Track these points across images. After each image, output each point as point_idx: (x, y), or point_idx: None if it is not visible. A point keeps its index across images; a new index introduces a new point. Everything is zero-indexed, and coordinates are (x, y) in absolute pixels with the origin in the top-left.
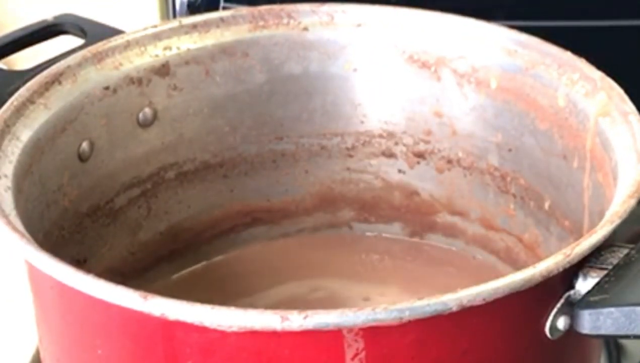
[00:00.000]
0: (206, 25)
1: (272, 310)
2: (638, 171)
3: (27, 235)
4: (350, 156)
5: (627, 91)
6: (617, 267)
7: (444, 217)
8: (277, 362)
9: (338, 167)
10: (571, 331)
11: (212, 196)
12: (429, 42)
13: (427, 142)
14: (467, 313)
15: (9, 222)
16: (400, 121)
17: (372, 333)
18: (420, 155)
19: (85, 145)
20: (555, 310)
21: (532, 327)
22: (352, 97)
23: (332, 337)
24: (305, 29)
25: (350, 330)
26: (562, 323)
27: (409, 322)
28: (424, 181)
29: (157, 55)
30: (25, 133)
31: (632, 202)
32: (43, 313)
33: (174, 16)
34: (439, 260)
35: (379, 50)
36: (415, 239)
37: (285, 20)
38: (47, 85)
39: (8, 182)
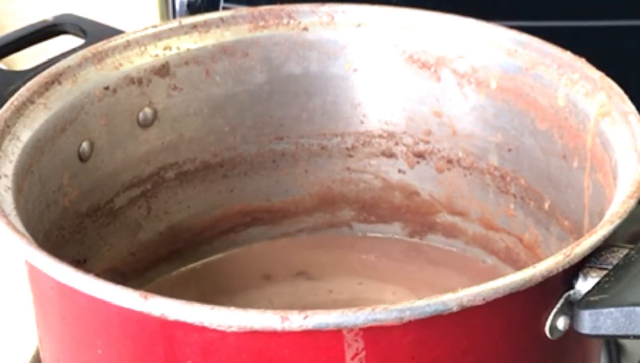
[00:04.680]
0: (206, 25)
1: (272, 310)
2: (638, 171)
3: (27, 235)
4: (350, 156)
5: (627, 91)
6: (617, 267)
7: (444, 217)
8: (277, 362)
9: (338, 167)
10: (571, 331)
11: (212, 196)
12: (429, 42)
13: (427, 142)
14: (467, 313)
15: (9, 222)
16: (400, 121)
17: (372, 333)
18: (420, 155)
19: (85, 145)
20: (555, 310)
21: (532, 327)
22: (352, 97)
23: (332, 337)
24: (305, 29)
25: (350, 330)
26: (562, 323)
27: (409, 322)
28: (424, 181)
29: (157, 55)
30: (25, 133)
31: (632, 202)
32: (43, 313)
33: (174, 16)
34: (439, 261)
35: (379, 50)
36: (415, 239)
37: (285, 20)
38: (47, 85)
39: (8, 182)
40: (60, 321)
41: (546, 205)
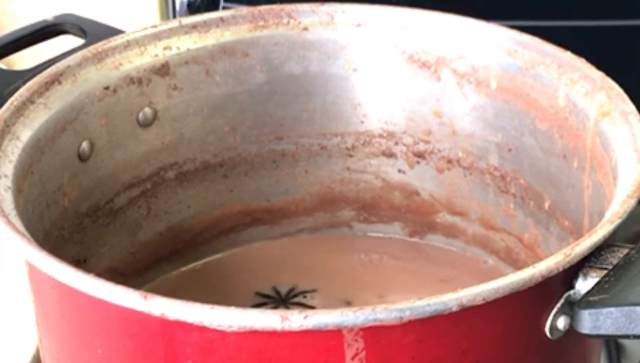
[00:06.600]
0: (206, 25)
1: (272, 310)
2: (638, 171)
3: (27, 235)
4: (350, 156)
5: (627, 91)
6: (617, 267)
7: (444, 217)
8: (277, 362)
9: (338, 167)
10: (571, 331)
11: (212, 196)
12: (429, 42)
13: (427, 142)
14: (467, 313)
15: (9, 222)
16: (400, 121)
17: (372, 333)
18: (420, 155)
19: (85, 145)
20: (555, 310)
21: (532, 327)
22: (352, 97)
23: (332, 337)
24: (305, 29)
25: (350, 330)
26: (562, 323)
27: (409, 322)
28: (424, 181)
29: (157, 55)
30: (25, 133)
31: (632, 202)
32: (43, 313)
33: (174, 16)
34: (439, 261)
35: (379, 50)
36: (415, 239)
37: (285, 20)
38: (47, 85)
39: (8, 182)
40: (60, 321)
41: (546, 205)
